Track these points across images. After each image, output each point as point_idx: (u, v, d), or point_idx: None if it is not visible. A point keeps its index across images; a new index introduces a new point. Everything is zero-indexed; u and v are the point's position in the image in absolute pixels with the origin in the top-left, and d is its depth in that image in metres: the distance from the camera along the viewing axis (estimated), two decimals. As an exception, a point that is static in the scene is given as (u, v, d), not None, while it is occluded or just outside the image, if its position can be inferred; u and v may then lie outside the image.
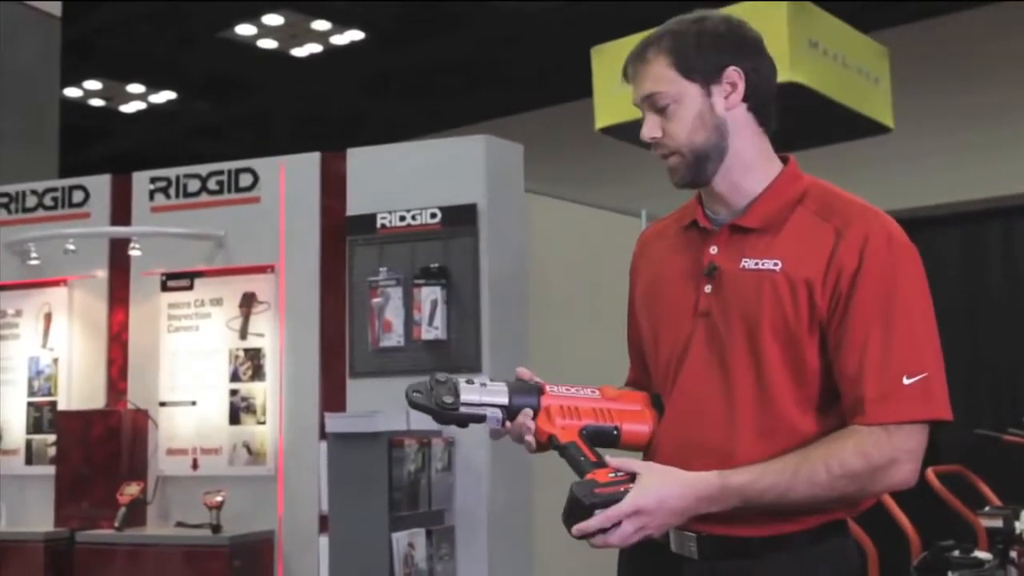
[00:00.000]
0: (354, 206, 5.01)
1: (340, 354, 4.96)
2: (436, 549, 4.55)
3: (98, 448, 5.18)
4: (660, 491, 1.86)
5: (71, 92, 10.91)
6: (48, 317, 5.54)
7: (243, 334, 5.15)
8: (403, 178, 4.95)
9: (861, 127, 5.91)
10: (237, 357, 5.15)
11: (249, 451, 5.09)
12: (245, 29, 9.70)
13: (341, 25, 9.68)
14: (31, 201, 5.69)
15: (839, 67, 5.49)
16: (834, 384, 1.95)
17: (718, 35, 2.03)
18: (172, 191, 5.39)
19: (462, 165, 4.87)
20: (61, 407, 5.45)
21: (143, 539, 5.02)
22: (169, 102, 11.50)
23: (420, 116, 11.40)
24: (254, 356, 5.12)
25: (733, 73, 2.02)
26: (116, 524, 5.00)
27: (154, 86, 11.10)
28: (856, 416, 1.91)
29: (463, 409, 1.95)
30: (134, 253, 5.25)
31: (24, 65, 7.15)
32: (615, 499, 1.84)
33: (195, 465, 5.17)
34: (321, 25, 9.67)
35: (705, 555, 1.99)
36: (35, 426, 5.53)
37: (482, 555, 4.62)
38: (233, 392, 5.15)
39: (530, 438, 1.97)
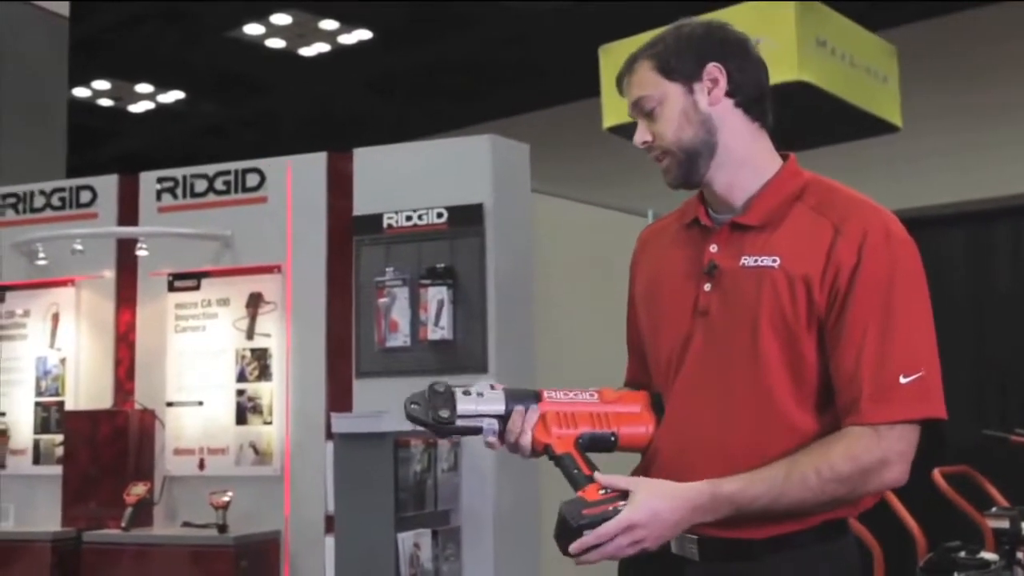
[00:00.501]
0: (361, 206, 5.02)
1: (346, 354, 4.97)
2: (442, 549, 4.55)
3: (105, 448, 5.20)
4: (652, 504, 1.86)
5: (80, 92, 10.94)
6: (56, 317, 5.55)
7: (250, 334, 5.15)
8: (409, 178, 4.96)
9: (869, 126, 5.90)
10: (244, 357, 5.16)
11: (255, 451, 5.10)
12: (253, 29, 9.71)
13: (349, 25, 9.68)
14: (39, 201, 5.71)
15: (847, 66, 5.47)
16: (831, 381, 1.95)
17: (696, 36, 2.07)
18: (179, 191, 5.40)
19: (468, 165, 4.87)
20: (68, 407, 5.46)
21: (150, 539, 5.03)
22: (177, 102, 11.52)
23: (428, 116, 11.41)
24: (261, 356, 5.13)
25: (713, 69, 2.04)
26: (123, 524, 5.01)
27: (162, 86, 11.12)
28: (851, 415, 1.91)
29: (459, 422, 1.94)
30: (141, 253, 5.26)
31: (32, 65, 7.17)
32: (604, 519, 1.84)
33: (202, 465, 5.18)
34: (329, 25, 9.68)
35: (707, 557, 1.99)
36: (43, 426, 5.55)
37: (488, 556, 4.62)
38: (240, 392, 5.16)
39: (525, 443, 1.97)
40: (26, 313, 5.63)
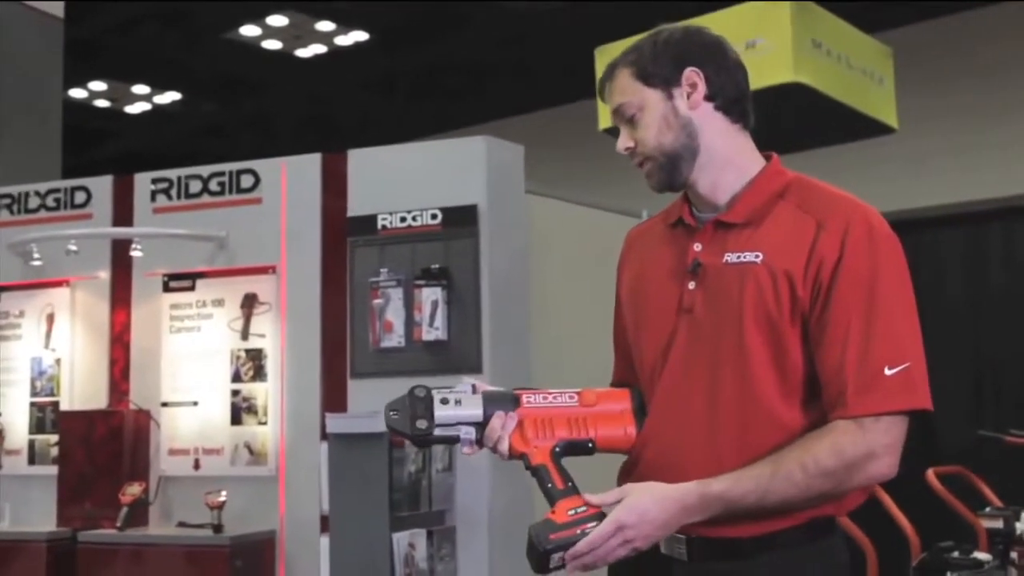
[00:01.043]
0: (355, 207, 5.02)
1: (341, 355, 4.97)
2: (437, 549, 4.55)
3: (100, 448, 5.20)
4: (641, 505, 1.87)
5: (76, 93, 10.94)
6: (50, 318, 5.56)
7: (244, 335, 5.16)
8: (404, 179, 4.96)
9: (865, 127, 5.90)
10: (238, 358, 5.16)
11: (250, 451, 5.10)
12: (250, 30, 9.71)
13: (345, 26, 9.69)
14: (34, 202, 5.71)
15: (843, 67, 5.48)
16: (816, 376, 1.95)
17: (673, 42, 2.10)
18: (174, 192, 5.40)
19: (463, 166, 4.88)
20: (63, 407, 5.47)
21: (145, 539, 5.03)
22: (174, 103, 11.52)
23: (425, 117, 11.41)
24: (255, 357, 5.13)
25: (692, 74, 2.06)
26: (118, 524, 5.02)
27: (159, 87, 11.12)
28: (837, 409, 1.91)
29: (437, 431, 1.95)
30: (136, 254, 5.26)
31: (27, 66, 7.17)
32: (572, 542, 1.85)
33: (197, 465, 5.18)
34: (325, 26, 9.68)
35: (695, 557, 1.99)
36: (38, 426, 5.55)
37: (483, 555, 4.62)
38: (235, 392, 5.16)
39: (503, 450, 1.98)
40: (21, 314, 5.64)
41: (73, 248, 5.24)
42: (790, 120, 5.31)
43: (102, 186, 5.59)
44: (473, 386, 2.00)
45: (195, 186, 5.37)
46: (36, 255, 5.36)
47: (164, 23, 9.65)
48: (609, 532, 1.86)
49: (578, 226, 5.45)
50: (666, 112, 2.06)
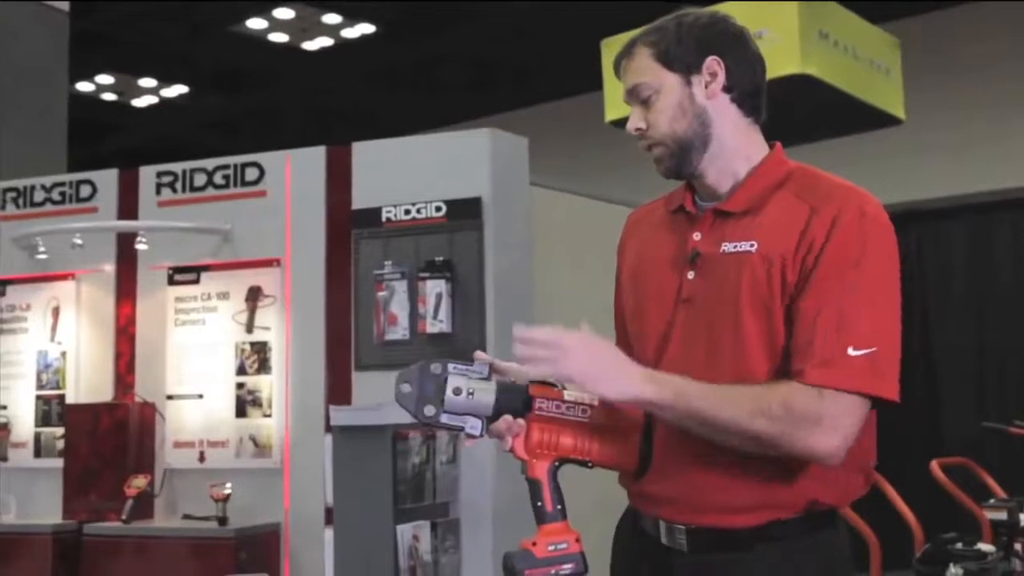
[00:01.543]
0: (359, 200, 5.03)
1: (345, 347, 4.98)
2: (441, 541, 4.56)
3: (106, 441, 5.21)
4: (601, 343, 1.89)
5: (83, 87, 10.95)
6: (56, 311, 5.57)
7: (249, 327, 5.17)
8: (408, 172, 4.96)
9: (872, 119, 5.90)
10: (243, 350, 5.17)
11: (255, 444, 5.11)
12: (256, 23, 9.71)
13: (351, 18, 9.68)
14: (39, 196, 5.72)
15: (850, 59, 5.47)
16: None
17: (698, 28, 2.06)
18: (178, 185, 5.41)
19: (467, 159, 4.87)
20: (69, 400, 5.48)
21: (150, 531, 5.05)
22: (181, 96, 11.52)
23: (431, 109, 11.40)
24: (260, 349, 5.14)
25: (713, 63, 2.04)
26: (123, 516, 5.03)
27: (166, 80, 11.13)
28: (799, 379, 1.88)
29: (443, 419, 1.91)
30: (141, 247, 5.27)
31: (33, 60, 7.18)
32: None
33: (202, 458, 5.20)
34: (332, 18, 9.68)
35: (695, 548, 1.99)
36: (44, 419, 5.57)
37: (487, 547, 4.62)
38: (239, 385, 5.17)
39: (504, 448, 1.96)
40: (27, 307, 5.66)
41: (78, 241, 5.25)
42: (797, 111, 5.31)
43: (107, 179, 5.60)
44: (490, 368, 1.94)
45: (200, 179, 5.38)
46: (41, 248, 5.38)
47: (170, 16, 9.65)
48: (552, 334, 1.86)
49: (582, 218, 5.44)
50: (683, 98, 2.04)
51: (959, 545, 4.14)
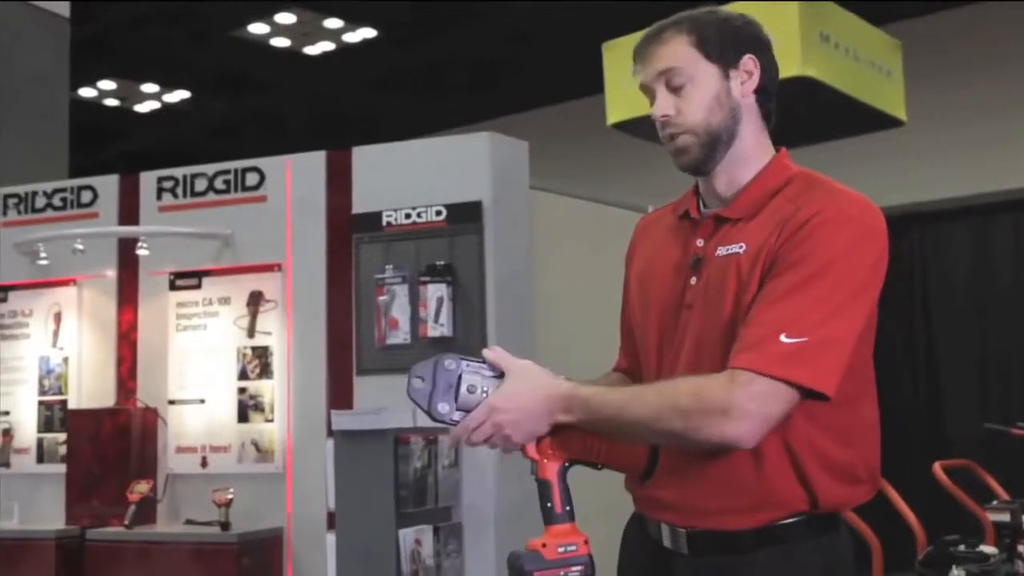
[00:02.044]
0: (360, 204, 5.03)
1: (347, 352, 4.97)
2: (444, 546, 4.56)
3: (108, 446, 5.21)
4: (513, 388, 1.90)
5: (86, 92, 10.96)
6: (58, 317, 5.58)
7: (251, 332, 5.17)
8: (408, 176, 4.96)
9: (873, 121, 5.90)
10: (245, 355, 5.17)
11: (257, 449, 5.11)
12: (258, 28, 9.72)
13: (353, 23, 9.69)
14: (40, 201, 5.72)
15: (851, 61, 5.47)
16: None
17: (738, 25, 2.07)
18: (179, 191, 5.41)
19: (467, 163, 4.87)
20: (71, 406, 5.48)
21: (153, 537, 5.04)
22: (183, 101, 11.54)
23: (433, 113, 11.41)
24: (262, 354, 5.14)
25: (750, 61, 2.04)
26: (126, 522, 5.03)
27: (168, 85, 11.14)
28: (729, 361, 1.87)
29: (456, 417, 1.91)
30: (142, 252, 5.27)
31: (34, 66, 7.18)
32: None
33: (204, 463, 5.20)
34: (333, 23, 9.68)
35: (696, 550, 1.99)
36: (46, 425, 5.57)
37: (490, 552, 4.62)
38: (241, 390, 5.17)
39: (514, 447, 1.96)
40: (28, 313, 5.65)
41: (80, 247, 5.25)
42: (798, 114, 5.30)
43: (108, 185, 5.61)
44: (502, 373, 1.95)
45: (200, 184, 5.38)
46: (43, 254, 5.38)
47: (172, 22, 9.67)
48: (483, 415, 1.89)
49: (583, 222, 5.44)
50: (719, 91, 2.02)
51: (961, 547, 4.13)
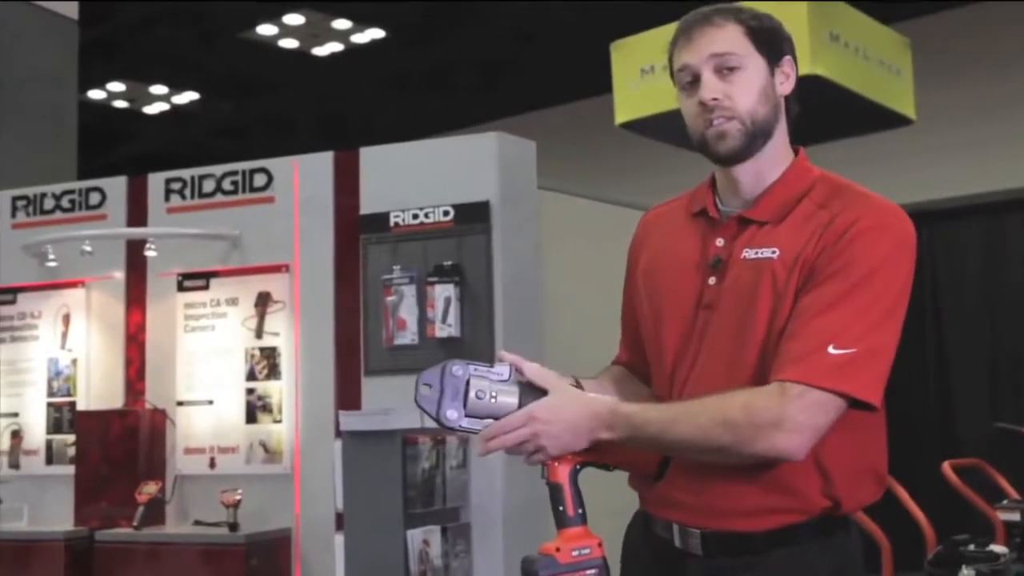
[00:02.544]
0: (367, 205, 5.03)
1: (355, 352, 4.98)
2: (452, 546, 4.55)
3: (117, 448, 5.23)
4: (555, 401, 1.89)
5: (95, 94, 10.99)
6: (66, 318, 5.59)
7: (259, 333, 5.17)
8: (416, 176, 4.96)
9: (883, 119, 5.88)
10: (253, 356, 5.17)
11: (265, 449, 5.12)
12: (266, 29, 9.73)
13: (361, 24, 9.69)
14: (48, 203, 5.74)
15: (860, 59, 5.46)
16: None
17: (778, 26, 2.08)
18: (187, 192, 5.42)
19: (474, 163, 4.87)
20: (80, 407, 5.50)
21: (161, 538, 5.06)
22: (191, 103, 11.56)
23: (441, 114, 11.41)
24: (270, 355, 5.14)
25: (789, 62, 2.06)
26: (135, 523, 5.04)
27: (176, 87, 11.16)
28: (774, 372, 1.87)
29: (465, 423, 1.90)
30: (150, 254, 5.28)
31: (42, 68, 7.20)
32: None
33: (212, 464, 5.20)
34: (342, 24, 9.69)
35: (709, 552, 1.99)
36: (55, 426, 5.58)
37: (498, 552, 4.62)
38: (249, 391, 5.18)
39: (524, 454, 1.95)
40: (37, 315, 5.67)
41: (88, 249, 5.25)
42: (807, 113, 5.29)
43: (116, 187, 5.62)
44: (511, 369, 1.93)
45: (208, 185, 5.39)
46: (51, 256, 5.38)
47: (181, 23, 9.69)
48: (520, 421, 1.86)
49: (591, 221, 5.43)
50: (767, 84, 2.02)
51: (971, 547, 4.12)
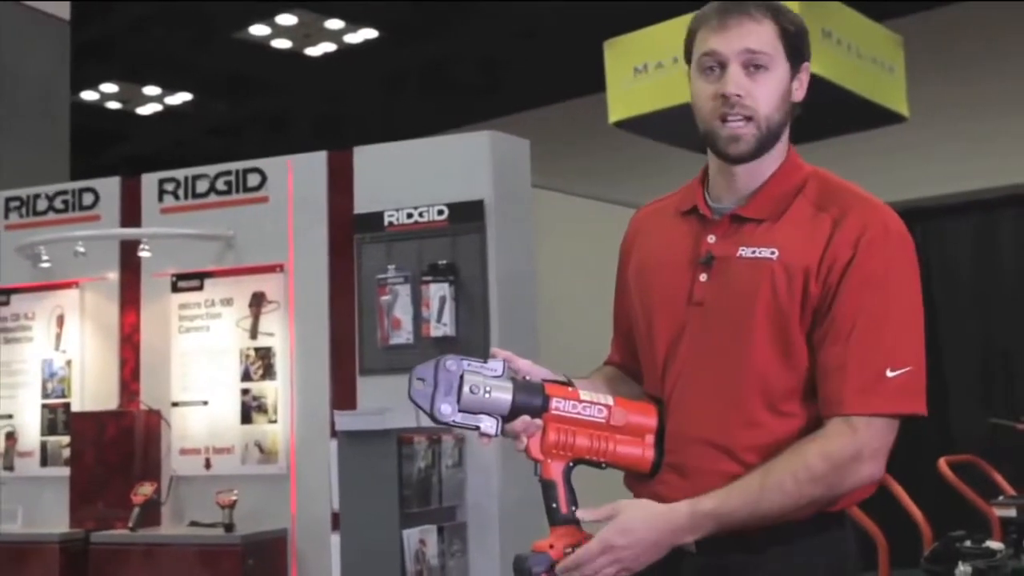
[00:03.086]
0: (361, 204, 5.02)
1: (350, 352, 4.97)
2: (448, 545, 4.55)
3: (112, 449, 5.22)
4: (628, 523, 1.86)
5: (88, 95, 10.97)
6: (60, 319, 5.58)
7: (253, 333, 5.16)
8: (410, 175, 4.96)
9: (876, 116, 5.87)
10: (248, 356, 5.17)
11: (261, 450, 5.11)
12: (259, 29, 9.72)
13: (354, 24, 9.69)
14: (42, 204, 5.73)
15: (853, 57, 5.45)
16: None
17: (806, 31, 2.05)
18: (181, 192, 5.41)
19: (468, 161, 4.87)
20: (75, 409, 5.49)
21: (157, 539, 5.05)
22: (185, 103, 11.54)
23: (436, 113, 11.40)
24: (264, 355, 5.13)
25: (807, 68, 2.04)
26: (130, 524, 5.03)
27: (170, 88, 11.15)
28: (834, 406, 1.89)
29: (459, 418, 1.89)
30: (144, 254, 5.27)
31: (35, 69, 7.18)
32: None
33: (208, 464, 5.19)
34: (335, 24, 9.69)
35: (704, 550, 1.97)
36: (49, 428, 5.57)
37: (494, 551, 4.62)
38: (244, 391, 5.17)
39: (519, 448, 1.95)
40: (31, 316, 5.66)
41: (81, 250, 5.25)
42: (800, 109, 5.29)
43: (110, 187, 5.61)
44: (505, 365, 1.92)
45: (202, 186, 5.38)
46: (45, 257, 5.37)
47: (174, 24, 9.67)
48: (596, 551, 1.84)
49: (586, 220, 5.43)
50: (786, 88, 2.00)
51: (968, 543, 4.12)
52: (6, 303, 5.71)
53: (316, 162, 5.18)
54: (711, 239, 2.01)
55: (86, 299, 5.55)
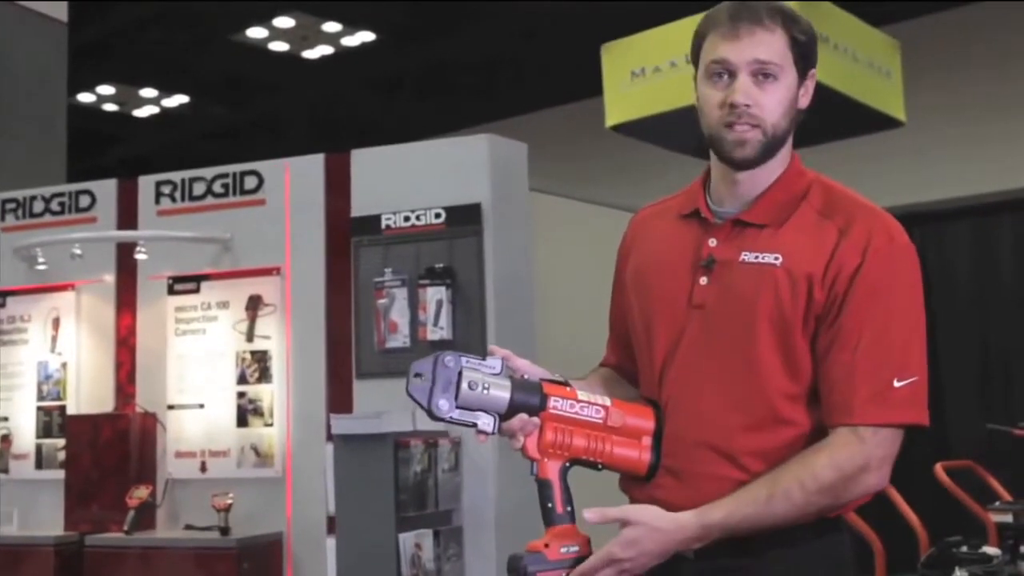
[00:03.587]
0: (359, 207, 5.02)
1: (346, 355, 4.97)
2: (444, 549, 4.54)
3: (107, 452, 5.21)
4: (635, 536, 1.86)
5: (85, 97, 10.96)
6: (56, 322, 5.57)
7: (250, 336, 5.16)
8: (407, 179, 4.96)
9: (872, 121, 5.88)
10: (244, 359, 5.16)
11: (257, 453, 5.10)
12: (256, 32, 9.72)
13: (351, 26, 9.69)
14: (38, 206, 5.72)
15: (850, 61, 5.45)
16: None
17: (815, 38, 2.03)
18: (178, 194, 5.41)
19: (466, 165, 4.86)
20: (70, 411, 5.48)
21: (152, 542, 5.04)
22: (182, 106, 11.54)
23: (433, 116, 11.40)
24: (261, 358, 5.13)
25: (813, 75, 2.03)
26: (125, 527, 5.03)
27: (167, 90, 11.14)
28: (841, 416, 1.89)
29: (456, 415, 1.87)
30: (140, 257, 5.27)
31: (31, 71, 7.18)
32: None
33: (203, 468, 5.19)
34: (332, 27, 9.68)
35: (703, 554, 1.97)
36: (45, 430, 5.56)
37: (490, 555, 4.61)
38: (240, 394, 5.16)
39: (516, 446, 1.94)
40: (27, 318, 5.66)
41: (78, 252, 5.25)
42: (804, 115, 5.29)
43: (106, 190, 5.60)
44: (503, 364, 1.91)
45: (199, 188, 5.38)
46: (41, 259, 5.37)
47: (171, 26, 9.67)
48: (601, 563, 1.85)
49: (582, 223, 5.43)
50: (792, 96, 1.98)
51: (964, 548, 4.12)
52: (2, 305, 5.71)
53: (313, 165, 5.18)
54: (712, 242, 2.01)
55: (82, 301, 5.54)
